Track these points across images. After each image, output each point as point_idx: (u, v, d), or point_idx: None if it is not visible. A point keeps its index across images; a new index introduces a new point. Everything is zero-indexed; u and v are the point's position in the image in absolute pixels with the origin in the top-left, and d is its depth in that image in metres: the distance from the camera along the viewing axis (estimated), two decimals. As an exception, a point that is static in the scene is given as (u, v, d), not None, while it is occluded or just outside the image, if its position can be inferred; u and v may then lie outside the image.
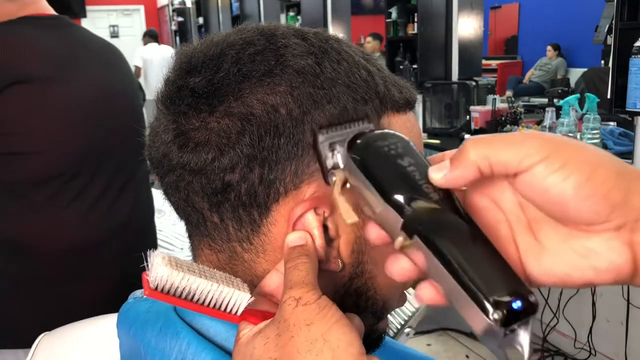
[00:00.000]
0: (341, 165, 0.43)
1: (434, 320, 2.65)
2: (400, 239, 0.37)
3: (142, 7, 10.62)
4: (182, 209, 0.50)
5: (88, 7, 9.83)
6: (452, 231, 0.36)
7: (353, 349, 0.37)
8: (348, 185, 0.42)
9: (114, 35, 10.13)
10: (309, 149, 0.44)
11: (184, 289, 0.43)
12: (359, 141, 0.42)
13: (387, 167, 0.40)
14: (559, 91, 4.31)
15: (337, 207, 0.43)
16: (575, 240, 0.35)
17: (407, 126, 0.49)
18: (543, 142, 0.34)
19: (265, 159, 0.44)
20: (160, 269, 0.42)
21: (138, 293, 0.61)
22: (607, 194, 0.32)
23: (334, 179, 0.43)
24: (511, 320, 0.32)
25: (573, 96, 2.75)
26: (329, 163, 0.43)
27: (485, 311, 0.32)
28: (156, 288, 0.42)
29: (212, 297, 0.44)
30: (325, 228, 0.46)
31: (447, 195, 0.38)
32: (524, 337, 0.32)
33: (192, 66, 0.47)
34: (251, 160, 0.44)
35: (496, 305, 0.32)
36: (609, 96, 2.15)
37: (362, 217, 0.42)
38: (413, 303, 1.35)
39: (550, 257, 0.36)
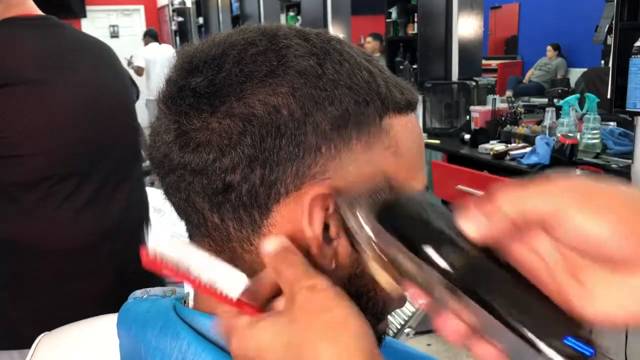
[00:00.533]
0: (368, 230, 0.41)
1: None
2: (447, 299, 0.36)
3: (142, 7, 10.62)
4: (183, 210, 0.50)
5: (88, 7, 9.82)
6: (497, 282, 0.36)
7: (371, 338, 0.38)
8: (382, 254, 0.41)
9: (114, 35, 10.12)
10: (310, 150, 0.44)
11: (182, 263, 0.43)
12: (383, 209, 0.41)
13: (420, 229, 0.39)
14: (559, 91, 4.31)
15: (375, 277, 0.43)
16: (621, 280, 0.34)
17: (408, 127, 0.49)
18: (574, 190, 0.35)
19: (267, 159, 0.44)
20: (160, 240, 0.42)
21: (138, 293, 0.61)
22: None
23: (368, 252, 0.41)
24: None
25: (573, 96, 2.75)
26: (355, 226, 0.42)
27: (546, 356, 0.32)
28: (155, 259, 0.42)
29: (210, 276, 0.43)
30: (326, 226, 0.45)
31: (484, 246, 0.37)
32: None
33: (193, 66, 0.47)
34: (252, 160, 0.44)
35: (560, 349, 0.32)
36: (609, 96, 2.15)
37: (399, 279, 0.41)
38: (413, 303, 1.35)
39: (601, 301, 0.35)
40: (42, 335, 0.86)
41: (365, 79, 0.47)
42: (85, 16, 9.57)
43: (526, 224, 0.36)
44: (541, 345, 0.32)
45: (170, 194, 0.50)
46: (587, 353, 0.32)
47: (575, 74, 6.04)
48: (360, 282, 0.48)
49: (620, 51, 2.05)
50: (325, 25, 4.46)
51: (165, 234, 0.42)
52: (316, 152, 0.44)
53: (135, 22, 10.55)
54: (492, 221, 0.36)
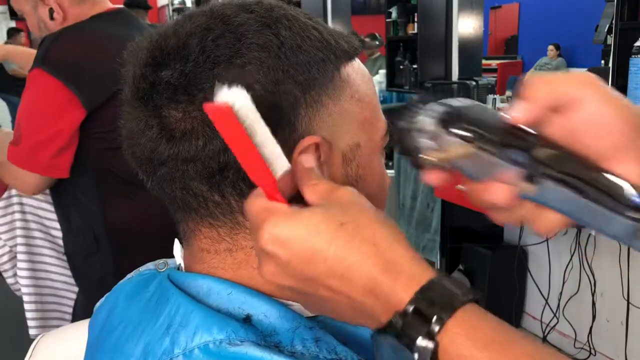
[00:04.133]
0: (433, 145, 0.45)
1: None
2: (526, 188, 0.41)
3: (142, 7, 10.60)
4: (180, 198, 0.51)
5: (88, 7, 9.80)
6: (562, 162, 0.41)
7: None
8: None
9: (114, 35, 10.09)
10: (289, 117, 0.47)
11: (248, 127, 0.42)
12: (447, 118, 0.45)
13: (488, 130, 0.43)
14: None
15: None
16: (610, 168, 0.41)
17: (359, 72, 0.53)
18: (593, 80, 0.41)
19: None
20: (238, 96, 0.42)
21: (129, 275, 0.64)
22: (637, 127, 0.40)
23: (434, 158, 0.45)
24: None
25: (573, 96, 2.74)
26: (415, 145, 0.45)
27: (628, 217, 0.38)
28: (228, 113, 0.41)
29: (266, 151, 0.44)
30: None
31: (530, 134, 0.42)
32: None
33: (157, 60, 0.48)
34: None
35: (636, 208, 0.38)
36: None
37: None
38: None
39: None
40: (41, 335, 0.86)
41: (317, 37, 0.50)
42: (85, 16, 9.54)
43: (557, 106, 0.41)
44: (619, 207, 0.39)
45: (163, 187, 0.51)
46: None
47: (575, 74, 6.03)
48: None
49: (620, 51, 2.05)
50: (325, 25, 4.45)
51: (240, 92, 0.42)
52: (295, 117, 0.47)
53: (135, 22, 10.54)
54: (532, 102, 0.41)
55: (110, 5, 1.34)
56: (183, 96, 0.46)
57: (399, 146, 0.46)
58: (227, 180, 0.47)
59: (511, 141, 0.42)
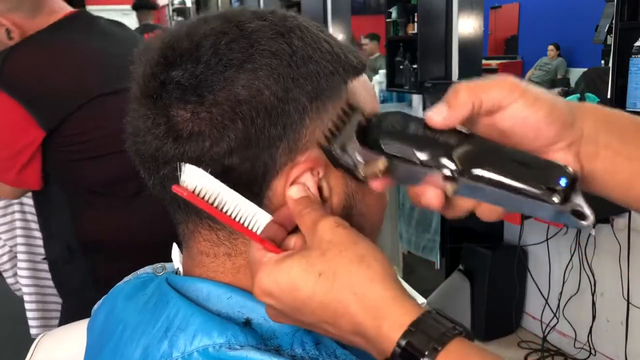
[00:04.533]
0: (360, 160, 0.47)
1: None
2: (449, 189, 0.44)
3: (142, 7, 10.60)
4: (181, 199, 0.51)
5: (88, 7, 9.76)
6: (485, 157, 0.43)
7: (392, 267, 0.43)
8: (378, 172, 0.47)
9: (114, 35, 10.09)
10: (295, 125, 0.48)
11: (212, 197, 0.46)
12: (368, 133, 0.47)
13: (406, 140, 0.45)
14: (559, 91, 4.30)
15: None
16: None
17: (365, 86, 0.54)
18: (515, 84, 0.44)
19: (259, 139, 0.46)
20: (197, 175, 0.45)
21: (127, 277, 0.64)
22: (565, 120, 0.44)
23: (363, 173, 0.47)
24: (567, 195, 0.41)
25: (573, 96, 2.75)
26: (348, 162, 0.47)
27: (548, 202, 0.41)
28: (192, 193, 0.45)
29: (238, 211, 0.47)
30: (319, 189, 0.50)
31: (455, 132, 0.45)
32: (578, 198, 0.42)
33: (169, 60, 0.48)
34: (247, 143, 0.46)
35: (553, 192, 0.41)
36: (609, 96, 2.15)
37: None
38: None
39: None
40: (42, 335, 0.86)
41: (328, 50, 0.50)
42: (85, 16, 9.54)
43: (480, 110, 0.44)
44: (539, 194, 0.41)
45: (165, 186, 0.51)
46: (567, 185, 0.41)
47: (575, 74, 6.03)
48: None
49: (620, 51, 2.05)
50: (325, 25, 4.45)
51: (201, 171, 0.45)
52: (301, 126, 0.48)
53: (135, 22, 10.54)
54: (455, 108, 0.44)
55: (68, 10, 1.28)
56: (192, 97, 0.46)
57: (336, 164, 0.49)
58: (229, 183, 0.47)
59: (427, 145, 0.44)
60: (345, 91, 0.51)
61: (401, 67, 3.92)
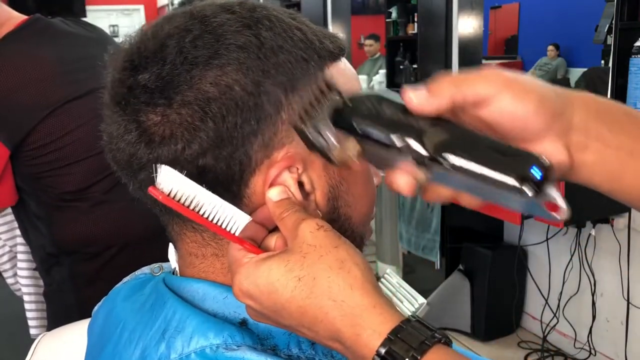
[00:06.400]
0: (335, 143, 0.45)
1: (434, 319, 2.65)
2: (421, 176, 0.43)
3: (142, 7, 10.59)
4: (161, 203, 0.51)
5: (88, 7, 9.75)
6: (457, 143, 0.41)
7: (372, 272, 0.43)
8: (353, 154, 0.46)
9: (114, 35, 10.10)
10: (270, 119, 0.46)
11: (189, 199, 0.45)
12: (343, 115, 0.45)
13: (378, 122, 0.44)
14: (559, 91, 4.29)
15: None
16: (532, 148, 0.43)
17: (345, 73, 0.52)
18: (502, 77, 0.42)
19: (233, 137, 0.45)
20: (173, 178, 0.44)
21: (126, 278, 0.64)
22: (554, 111, 0.42)
23: (336, 155, 0.46)
24: (540, 186, 0.39)
25: (573, 96, 2.73)
26: (322, 144, 0.46)
27: (520, 193, 0.39)
28: (168, 195, 0.44)
29: (216, 213, 0.46)
30: (300, 184, 0.48)
31: (431, 117, 0.43)
32: (553, 191, 0.40)
33: (134, 64, 0.47)
34: (220, 141, 0.45)
35: (524, 182, 0.39)
36: (608, 96, 2.15)
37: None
38: (413, 303, 1.35)
39: None
40: (42, 335, 0.86)
41: (300, 38, 0.49)
42: (85, 16, 9.46)
43: (462, 104, 0.43)
44: (510, 183, 0.39)
45: (144, 191, 0.50)
46: (541, 177, 0.39)
47: (576, 74, 6.03)
48: (337, 225, 0.51)
49: (620, 51, 2.05)
50: (325, 24, 4.45)
51: (176, 173, 0.46)
52: (276, 119, 0.47)
53: (135, 21, 10.53)
54: (435, 96, 0.43)
55: (20, 18, 1.20)
56: (160, 99, 0.46)
57: (310, 146, 0.47)
58: (206, 184, 0.47)
59: (399, 129, 0.43)
60: (322, 78, 0.49)
61: (401, 67, 3.92)
